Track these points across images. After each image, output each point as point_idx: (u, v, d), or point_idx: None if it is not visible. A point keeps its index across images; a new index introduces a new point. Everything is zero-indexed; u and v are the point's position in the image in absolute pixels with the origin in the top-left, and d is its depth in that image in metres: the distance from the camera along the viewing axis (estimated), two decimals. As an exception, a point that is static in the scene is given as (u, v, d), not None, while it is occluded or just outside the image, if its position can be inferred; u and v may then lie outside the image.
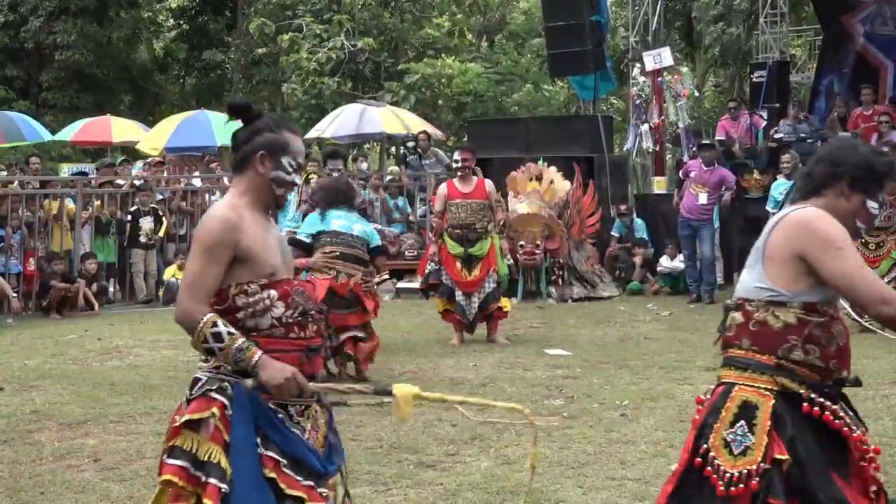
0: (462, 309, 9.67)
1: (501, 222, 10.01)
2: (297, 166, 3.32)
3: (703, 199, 12.90)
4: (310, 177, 13.91)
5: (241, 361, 3.12)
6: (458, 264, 9.61)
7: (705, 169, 12.98)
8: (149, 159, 17.66)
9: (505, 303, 9.94)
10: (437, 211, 9.93)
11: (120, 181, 14.58)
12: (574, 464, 5.62)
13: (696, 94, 21.47)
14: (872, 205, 3.24)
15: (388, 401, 3.33)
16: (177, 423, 3.18)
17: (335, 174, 9.91)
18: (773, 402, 3.07)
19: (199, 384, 3.20)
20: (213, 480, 3.07)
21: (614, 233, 14.68)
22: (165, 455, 3.20)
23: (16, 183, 13.78)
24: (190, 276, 3.21)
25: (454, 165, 9.95)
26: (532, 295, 13.07)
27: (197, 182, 15.27)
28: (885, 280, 10.06)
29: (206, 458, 3.10)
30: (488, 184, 9.89)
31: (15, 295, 11.87)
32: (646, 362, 8.76)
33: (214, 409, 3.12)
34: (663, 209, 14.83)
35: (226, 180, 15.52)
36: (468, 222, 9.61)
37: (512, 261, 10.89)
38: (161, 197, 14.31)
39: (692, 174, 13.13)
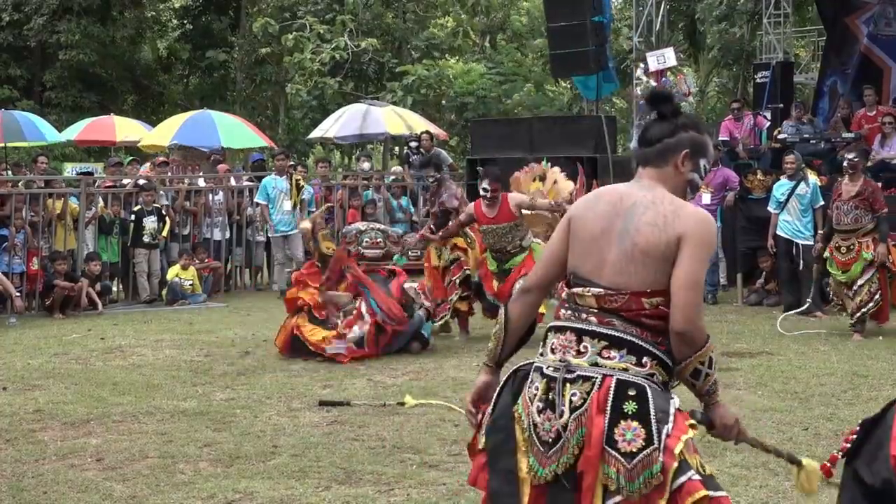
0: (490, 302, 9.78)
1: (556, 204, 9.39)
2: (707, 171, 3.19)
3: (706, 199, 12.89)
4: (299, 182, 13.93)
5: (712, 392, 2.97)
6: (494, 281, 9.64)
7: (709, 169, 12.97)
8: (154, 158, 17.69)
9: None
10: (458, 219, 9.94)
11: (124, 181, 14.59)
12: (576, 464, 5.61)
13: (698, 96, 21.47)
14: None
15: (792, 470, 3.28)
16: (681, 441, 2.86)
17: (429, 180, 10.32)
18: None
19: (653, 394, 2.89)
20: (723, 493, 2.89)
21: (617, 233, 14.69)
22: (693, 473, 2.85)
23: (21, 183, 13.78)
24: (699, 286, 2.94)
25: (482, 194, 9.60)
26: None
27: (201, 182, 15.27)
28: (860, 282, 9.81)
29: (706, 472, 2.89)
30: (512, 200, 9.56)
31: (18, 294, 11.87)
32: None
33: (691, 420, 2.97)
34: (666, 210, 14.81)
35: (232, 180, 15.54)
36: (499, 247, 9.60)
37: None
38: (166, 203, 14.29)
39: (695, 174, 13.13)
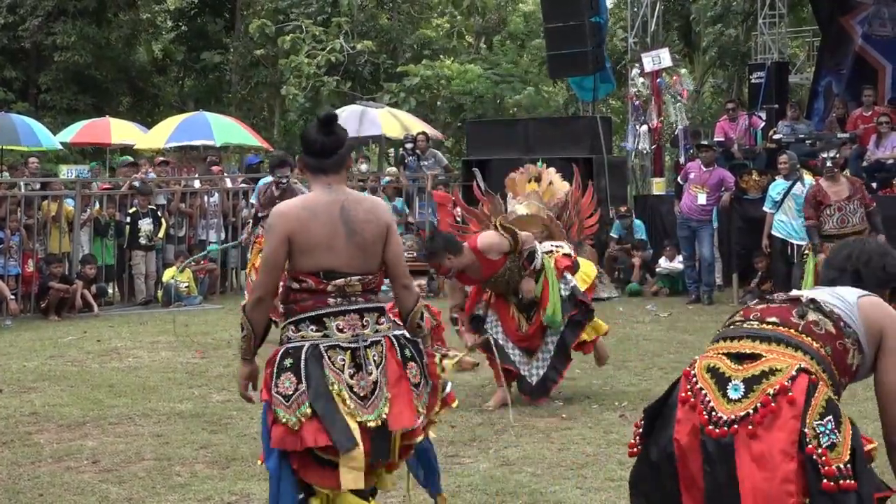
0: (511, 359, 7.19)
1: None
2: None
3: (702, 199, 12.91)
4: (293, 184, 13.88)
5: (427, 336, 4.13)
6: (513, 309, 7.22)
7: (704, 170, 13.00)
8: (154, 158, 17.68)
9: (591, 330, 7.40)
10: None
11: (118, 183, 14.59)
12: (573, 465, 5.62)
13: (696, 94, 21.48)
14: None
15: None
16: (437, 363, 4.09)
17: (283, 182, 9.68)
18: None
19: (408, 339, 4.01)
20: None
21: (613, 234, 14.68)
22: (451, 386, 4.18)
23: (22, 187, 13.78)
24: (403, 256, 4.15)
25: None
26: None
27: (196, 184, 15.27)
28: None
29: None
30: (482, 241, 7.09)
31: (13, 297, 11.86)
32: (645, 363, 8.76)
33: None
34: (662, 210, 14.83)
35: (228, 182, 15.53)
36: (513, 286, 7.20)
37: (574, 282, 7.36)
38: (163, 202, 14.27)
39: (691, 175, 13.13)
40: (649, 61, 16.00)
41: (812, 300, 3.26)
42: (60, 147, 20.72)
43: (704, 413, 3.08)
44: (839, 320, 3.23)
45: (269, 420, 3.77)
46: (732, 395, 3.08)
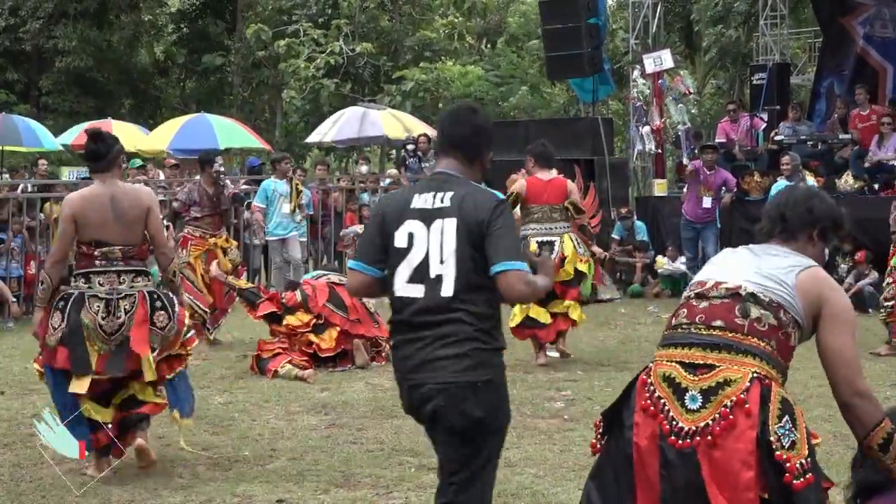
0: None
1: None
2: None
3: (707, 202, 12.90)
4: (298, 186, 13.89)
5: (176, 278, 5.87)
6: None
7: (707, 172, 12.99)
8: (165, 160, 17.71)
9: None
10: None
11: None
12: (575, 466, 5.62)
13: (697, 96, 21.48)
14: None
15: None
16: (186, 315, 5.76)
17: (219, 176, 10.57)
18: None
19: (163, 293, 5.61)
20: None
21: (615, 235, 14.67)
22: (193, 332, 6.07)
23: (26, 187, 13.77)
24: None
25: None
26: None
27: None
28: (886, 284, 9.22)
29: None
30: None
31: (14, 300, 11.85)
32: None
33: None
34: (664, 211, 14.82)
35: (230, 184, 15.51)
36: None
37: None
38: (162, 198, 14.28)
39: (700, 177, 13.09)
40: (650, 63, 15.99)
41: (752, 294, 3.27)
42: (62, 149, 20.75)
43: (666, 422, 3.20)
44: (779, 308, 3.26)
45: (40, 345, 5.44)
46: (691, 405, 3.20)
